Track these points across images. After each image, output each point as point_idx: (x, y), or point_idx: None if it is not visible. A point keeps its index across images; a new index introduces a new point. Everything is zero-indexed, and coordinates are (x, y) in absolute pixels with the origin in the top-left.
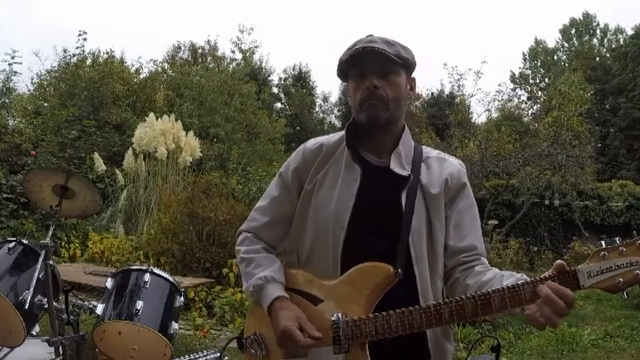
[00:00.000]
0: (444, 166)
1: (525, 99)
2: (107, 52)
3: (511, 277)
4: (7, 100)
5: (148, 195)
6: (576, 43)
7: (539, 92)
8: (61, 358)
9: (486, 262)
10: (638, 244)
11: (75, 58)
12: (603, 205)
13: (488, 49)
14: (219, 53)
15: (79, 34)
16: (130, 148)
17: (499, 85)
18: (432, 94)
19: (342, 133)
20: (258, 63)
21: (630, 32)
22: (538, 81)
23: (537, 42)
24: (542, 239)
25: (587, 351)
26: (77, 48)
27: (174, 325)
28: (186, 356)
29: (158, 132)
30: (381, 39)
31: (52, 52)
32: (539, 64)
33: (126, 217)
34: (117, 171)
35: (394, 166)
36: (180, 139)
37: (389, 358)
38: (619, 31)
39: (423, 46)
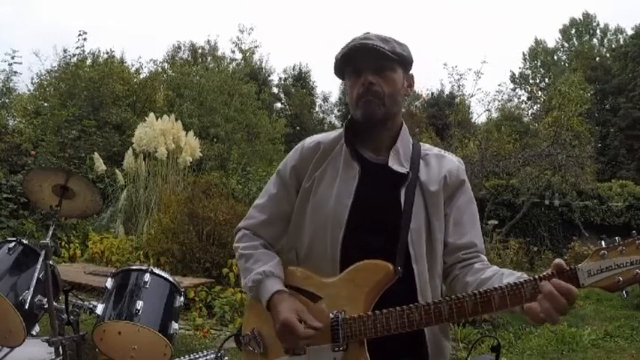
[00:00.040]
0: (442, 163)
1: (525, 99)
2: (107, 52)
3: (511, 276)
4: (7, 100)
5: (148, 195)
6: (576, 43)
7: (539, 92)
8: (61, 358)
9: (485, 259)
10: (638, 243)
11: (75, 58)
12: (603, 205)
13: (488, 49)
14: (219, 53)
15: (79, 34)
16: (130, 148)
17: (499, 85)
18: (432, 94)
19: (340, 130)
20: (258, 63)
21: (630, 32)
22: (538, 81)
23: (537, 42)
24: (542, 239)
25: (587, 351)
26: (77, 48)
27: (174, 325)
28: (186, 356)
29: (158, 132)
30: (377, 36)
31: (52, 52)
32: (539, 64)
33: (126, 217)
34: (117, 171)
35: (393, 164)
36: (180, 139)
37: (387, 356)
38: (619, 31)
39: (423, 46)
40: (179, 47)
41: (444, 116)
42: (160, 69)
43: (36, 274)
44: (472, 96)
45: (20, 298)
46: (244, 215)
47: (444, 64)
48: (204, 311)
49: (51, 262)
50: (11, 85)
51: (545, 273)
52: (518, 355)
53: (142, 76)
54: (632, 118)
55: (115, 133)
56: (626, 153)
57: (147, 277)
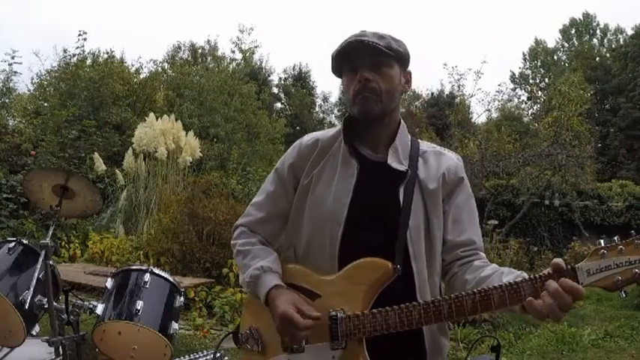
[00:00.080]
0: (441, 160)
1: (525, 99)
2: (107, 52)
3: (510, 274)
4: (7, 100)
5: (148, 195)
6: (576, 43)
7: (539, 92)
8: (61, 358)
9: (484, 256)
10: (637, 242)
11: (75, 58)
12: (603, 205)
13: (488, 49)
14: (219, 53)
15: (79, 34)
16: (130, 148)
17: (499, 85)
18: (432, 94)
19: (338, 128)
20: (258, 63)
21: (630, 32)
22: (538, 81)
23: (537, 42)
24: (542, 239)
25: (587, 351)
26: (77, 48)
27: (174, 325)
28: (186, 356)
29: (158, 132)
30: (373, 33)
31: (52, 52)
32: (539, 64)
33: (126, 217)
34: (117, 171)
35: (391, 161)
36: (180, 139)
37: (385, 354)
38: (619, 31)
39: (423, 46)
40: (179, 47)
41: (444, 116)
42: (160, 69)
43: (36, 274)
44: (472, 96)
45: (20, 298)
46: None
47: (444, 64)
48: (204, 311)
49: (51, 262)
50: (11, 85)
51: (544, 272)
52: (518, 355)
53: (142, 76)
54: (632, 118)
55: (115, 133)
56: (626, 153)
57: (147, 277)
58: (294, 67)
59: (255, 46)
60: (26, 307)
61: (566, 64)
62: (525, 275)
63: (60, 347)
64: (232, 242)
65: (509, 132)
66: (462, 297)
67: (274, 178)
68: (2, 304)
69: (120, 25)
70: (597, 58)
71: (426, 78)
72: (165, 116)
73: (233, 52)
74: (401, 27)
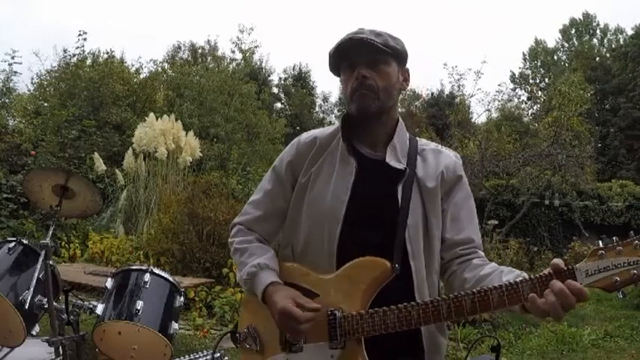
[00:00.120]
0: (439, 158)
1: (525, 99)
2: (107, 52)
3: (510, 273)
4: (7, 100)
5: (148, 195)
6: (576, 43)
7: (539, 92)
8: (61, 358)
9: (483, 255)
10: (636, 243)
11: (75, 58)
12: (603, 205)
13: (488, 49)
14: (219, 53)
15: (79, 34)
16: (130, 148)
17: (499, 85)
18: (432, 94)
19: (336, 125)
20: (258, 63)
21: (630, 32)
22: (538, 81)
23: (537, 42)
24: (542, 239)
25: (587, 351)
26: (77, 48)
27: (174, 325)
28: (186, 356)
29: (158, 132)
30: (370, 30)
31: (52, 52)
32: (539, 64)
33: (126, 217)
34: (117, 171)
35: (390, 160)
36: (180, 139)
37: (385, 354)
38: (619, 31)
39: (423, 46)
40: (179, 47)
41: (444, 116)
42: (160, 69)
43: (36, 274)
44: (472, 96)
45: (20, 298)
46: None
47: (444, 64)
48: (204, 311)
49: (51, 262)
50: (11, 85)
51: (543, 273)
52: (518, 355)
53: (142, 76)
54: (632, 118)
55: (115, 133)
56: (626, 153)
57: (147, 277)
58: (294, 67)
59: (255, 46)
60: (26, 307)
61: (566, 64)
62: (525, 275)
63: (60, 347)
64: (230, 240)
65: (509, 132)
66: (461, 297)
67: (272, 176)
68: (2, 304)
69: (120, 25)
70: (597, 58)
71: (426, 78)
72: (165, 116)
73: (233, 52)
74: (401, 27)
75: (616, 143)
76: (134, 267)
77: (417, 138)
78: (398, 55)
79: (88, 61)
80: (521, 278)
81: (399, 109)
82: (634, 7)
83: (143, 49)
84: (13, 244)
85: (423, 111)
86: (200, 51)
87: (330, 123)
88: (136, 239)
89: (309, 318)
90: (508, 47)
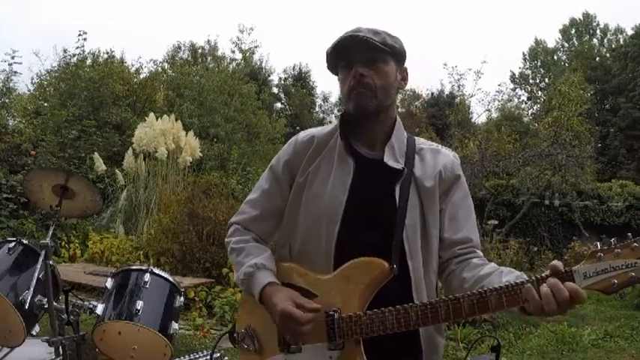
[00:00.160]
0: (437, 158)
1: (525, 99)
2: (107, 52)
3: (510, 274)
4: (7, 100)
5: (148, 195)
6: (576, 43)
7: (539, 92)
8: (61, 358)
9: (482, 254)
10: (634, 246)
11: (75, 58)
12: (603, 205)
13: (488, 49)
14: (219, 53)
15: (79, 34)
16: (130, 148)
17: (499, 85)
18: (432, 94)
19: (334, 124)
20: (258, 63)
21: (630, 32)
22: (538, 81)
23: (537, 42)
24: (542, 239)
25: (587, 351)
26: (77, 48)
27: (174, 325)
28: (186, 356)
29: (158, 132)
30: (368, 29)
31: (52, 52)
32: (539, 64)
33: (126, 217)
34: (117, 171)
35: (388, 159)
36: (180, 139)
37: (382, 353)
38: (619, 31)
39: (423, 46)
40: (179, 47)
41: (444, 116)
42: (160, 69)
43: (36, 274)
44: (472, 96)
45: (20, 298)
46: None
47: (444, 64)
48: (204, 311)
49: (51, 262)
50: (11, 85)
51: (542, 275)
52: (518, 355)
53: (142, 76)
54: (632, 118)
55: (115, 133)
56: (626, 153)
57: (147, 277)
58: (294, 67)
59: (255, 46)
60: (26, 307)
61: (566, 64)
62: (525, 276)
63: (60, 347)
64: (226, 240)
65: (509, 132)
66: (460, 298)
67: (269, 175)
68: (2, 304)
69: (120, 25)
70: (597, 58)
71: (426, 78)
72: (165, 116)
73: (233, 52)
74: (400, 27)
75: (616, 143)
76: (134, 267)
77: (415, 137)
78: (396, 53)
79: (88, 61)
80: (521, 280)
81: (399, 109)
82: (634, 7)
83: (143, 49)
84: (13, 244)
85: (423, 111)
86: (200, 51)
87: (330, 123)
88: (136, 239)
89: (310, 319)
90: (508, 47)
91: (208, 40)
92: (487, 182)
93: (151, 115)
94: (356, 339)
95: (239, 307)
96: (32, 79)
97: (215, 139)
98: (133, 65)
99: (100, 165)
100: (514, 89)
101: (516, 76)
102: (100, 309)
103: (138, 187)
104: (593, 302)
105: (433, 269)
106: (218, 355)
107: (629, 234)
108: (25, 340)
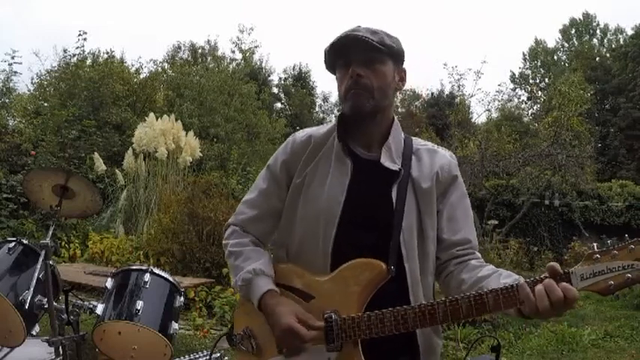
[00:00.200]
0: (434, 158)
1: (525, 99)
2: (107, 52)
3: (508, 277)
4: (7, 100)
5: (148, 195)
6: (576, 43)
7: (539, 92)
8: (61, 358)
9: (480, 256)
10: (630, 247)
11: (75, 58)
12: (603, 205)
13: (488, 49)
14: (219, 53)
15: (79, 34)
16: (130, 148)
17: (499, 85)
18: (432, 94)
19: (331, 124)
20: (258, 63)
21: (630, 32)
22: (538, 81)
23: (537, 42)
24: (542, 239)
25: (587, 351)
26: (77, 48)
27: (174, 325)
28: (186, 356)
29: (158, 132)
30: (366, 28)
31: (52, 52)
32: (539, 64)
33: (126, 217)
34: (117, 171)
35: (384, 160)
36: (180, 139)
37: (380, 354)
38: (619, 31)
39: (423, 46)
40: (179, 47)
41: (444, 116)
42: (160, 69)
43: (36, 274)
44: (472, 96)
45: (20, 298)
46: None
47: (444, 64)
48: (204, 311)
49: (51, 262)
50: (11, 85)
51: (539, 277)
52: (518, 355)
53: (142, 76)
54: (632, 118)
55: (115, 133)
56: (626, 153)
57: (147, 277)
58: (294, 67)
59: (255, 46)
60: (26, 307)
61: (566, 64)
62: (523, 280)
63: (60, 347)
64: (224, 242)
65: (509, 132)
66: (457, 300)
67: (267, 175)
68: (2, 304)
69: (120, 25)
70: (597, 58)
71: (426, 78)
72: (165, 116)
73: (233, 52)
74: (400, 26)
75: (616, 143)
76: (134, 267)
77: (412, 137)
78: (394, 53)
79: (88, 61)
80: (517, 282)
81: (399, 109)
82: (634, 7)
83: (143, 49)
84: (13, 244)
85: (423, 111)
86: (200, 51)
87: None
88: (136, 239)
89: (314, 337)
90: (508, 47)
91: (208, 40)
92: (487, 182)
93: (151, 115)
94: (354, 340)
95: (236, 309)
96: (32, 79)
97: (215, 139)
98: (132, 65)
99: (100, 165)
100: (514, 89)
101: (516, 76)
102: (100, 309)
103: (138, 187)
104: (593, 302)
105: (430, 271)
106: (218, 355)
107: (627, 235)
108: (25, 340)
